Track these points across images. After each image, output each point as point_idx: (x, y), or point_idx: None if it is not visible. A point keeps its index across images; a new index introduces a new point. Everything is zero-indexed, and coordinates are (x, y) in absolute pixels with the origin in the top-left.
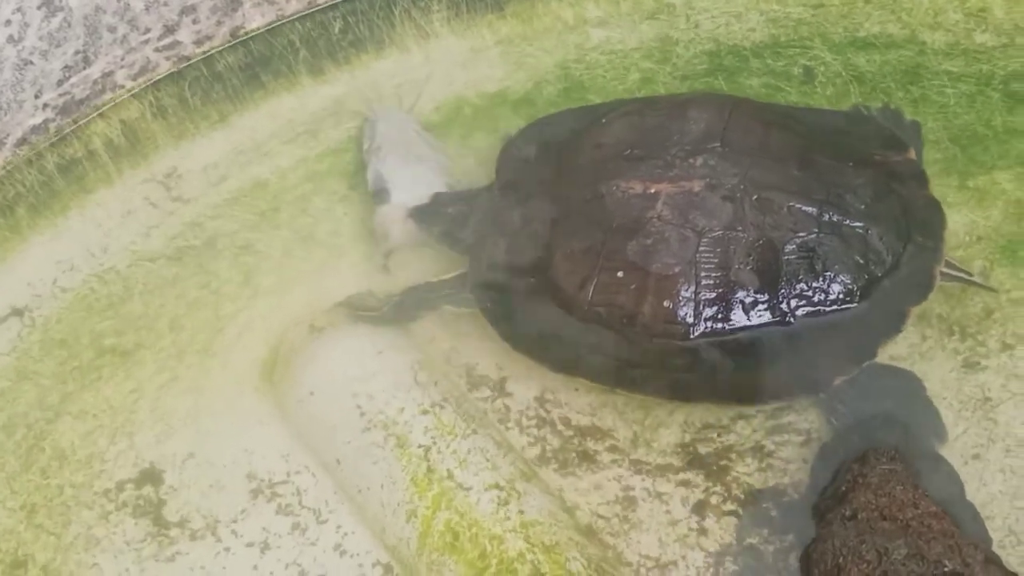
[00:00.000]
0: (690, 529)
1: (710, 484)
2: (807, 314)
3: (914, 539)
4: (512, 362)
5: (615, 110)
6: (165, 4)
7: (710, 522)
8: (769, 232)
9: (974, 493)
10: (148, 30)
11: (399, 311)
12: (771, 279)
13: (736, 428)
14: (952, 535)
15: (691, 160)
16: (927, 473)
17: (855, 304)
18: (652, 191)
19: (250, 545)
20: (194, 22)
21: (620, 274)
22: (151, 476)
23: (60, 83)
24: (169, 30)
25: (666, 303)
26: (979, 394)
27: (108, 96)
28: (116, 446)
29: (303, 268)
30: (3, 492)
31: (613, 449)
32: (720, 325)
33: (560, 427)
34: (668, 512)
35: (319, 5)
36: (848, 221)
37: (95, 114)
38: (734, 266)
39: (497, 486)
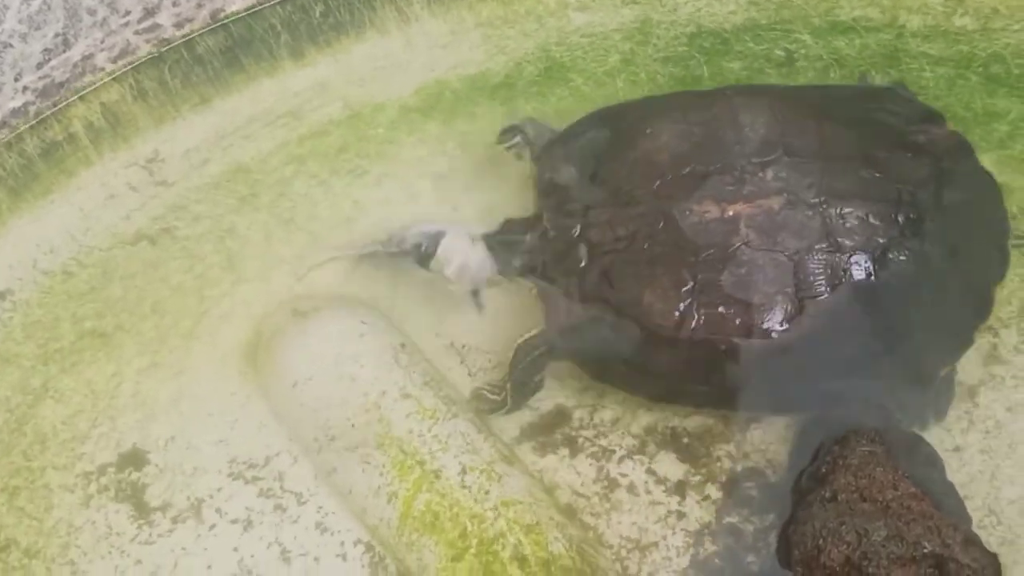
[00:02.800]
0: (670, 510)
1: (690, 465)
2: (904, 317)
3: (894, 520)
4: (496, 345)
5: (650, 116)
6: None
7: (690, 503)
8: (857, 244)
9: (954, 474)
10: (128, 12)
11: (520, 393)
12: (866, 291)
13: (716, 410)
14: (932, 516)
15: (761, 174)
16: (907, 455)
17: (943, 297)
18: (730, 214)
19: (232, 524)
20: (174, 4)
21: (721, 309)
22: (133, 459)
23: (40, 66)
24: (149, 13)
25: (773, 333)
26: (960, 376)
27: (88, 79)
28: (98, 429)
29: (284, 252)
30: None
31: (594, 431)
32: (823, 345)
33: (542, 409)
34: (648, 493)
35: None
36: (925, 219)
37: (75, 97)
38: (832, 283)
39: (477, 468)
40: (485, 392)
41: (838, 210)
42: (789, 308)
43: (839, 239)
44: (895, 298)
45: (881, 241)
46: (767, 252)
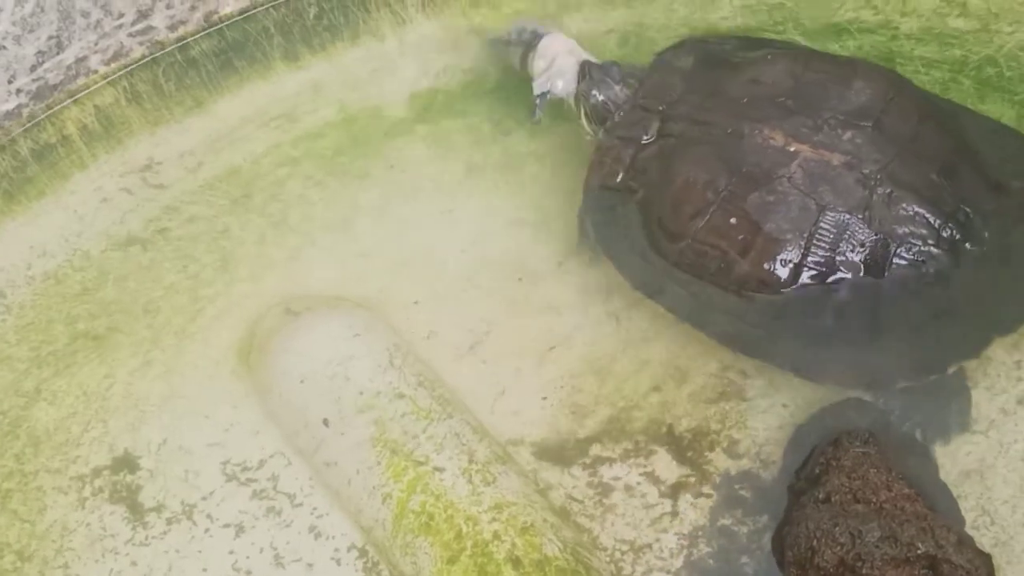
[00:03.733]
0: (664, 512)
1: (684, 467)
2: (895, 317)
3: (887, 521)
4: (488, 344)
5: (781, 49)
6: None
7: (684, 505)
8: (888, 229)
9: (947, 475)
10: (122, 15)
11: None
12: (874, 275)
13: (710, 412)
14: (925, 517)
15: (839, 131)
16: (900, 455)
17: (945, 319)
18: (792, 149)
19: (226, 527)
20: (168, 7)
21: (733, 220)
22: (126, 462)
23: (33, 68)
24: (143, 15)
25: (766, 265)
26: (952, 374)
27: (82, 81)
28: (91, 432)
29: (278, 253)
30: None
31: (588, 432)
32: (812, 303)
33: (536, 412)
34: (642, 495)
35: None
36: (967, 243)
37: (69, 100)
38: (844, 251)
39: (472, 469)
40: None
41: (889, 192)
42: (793, 251)
43: (876, 217)
44: (894, 294)
45: (914, 240)
46: (803, 195)
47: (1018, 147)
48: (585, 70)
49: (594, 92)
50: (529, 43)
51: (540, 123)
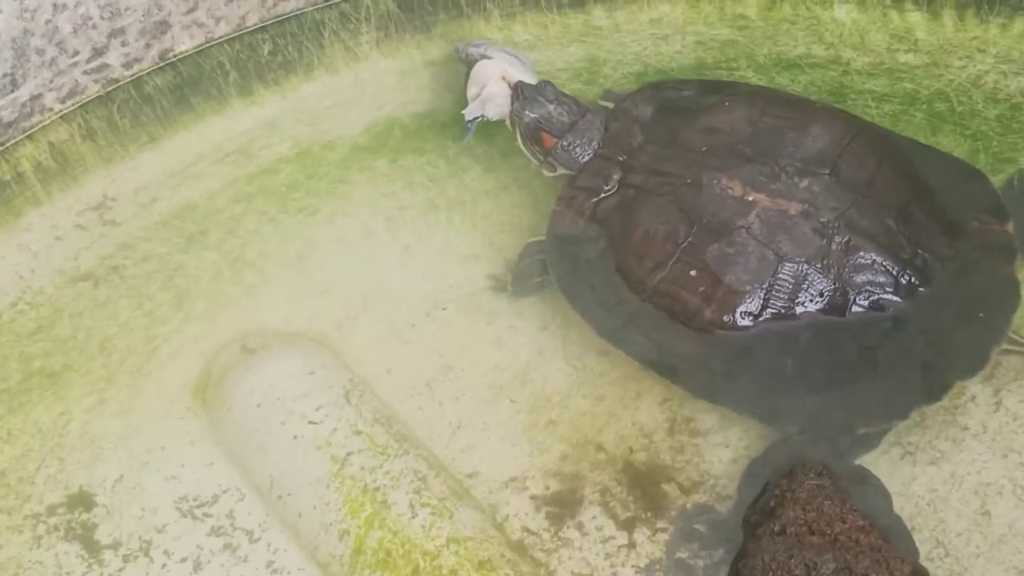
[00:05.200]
0: (620, 545)
1: (640, 501)
2: (855, 364)
3: (842, 553)
4: (444, 380)
5: (738, 93)
6: (94, 27)
7: (640, 537)
8: (846, 277)
9: (901, 507)
10: (77, 53)
11: (521, 286)
12: (833, 323)
13: (665, 446)
14: (880, 549)
15: (797, 179)
16: (855, 488)
17: (904, 365)
18: (750, 198)
19: (182, 563)
20: (123, 44)
21: (693, 272)
22: (82, 499)
23: None
24: (98, 52)
25: (727, 316)
26: None
27: (37, 119)
28: (46, 469)
29: (233, 290)
30: None
31: (544, 466)
32: (773, 352)
33: (492, 447)
34: (599, 528)
35: (248, 27)
36: (925, 288)
37: (23, 136)
38: (803, 300)
39: (429, 504)
40: (496, 276)
41: (847, 240)
42: (753, 301)
43: (834, 266)
44: (852, 341)
45: (872, 288)
46: (761, 245)
47: (976, 185)
48: (518, 91)
49: (527, 112)
50: (469, 65)
51: (468, 145)
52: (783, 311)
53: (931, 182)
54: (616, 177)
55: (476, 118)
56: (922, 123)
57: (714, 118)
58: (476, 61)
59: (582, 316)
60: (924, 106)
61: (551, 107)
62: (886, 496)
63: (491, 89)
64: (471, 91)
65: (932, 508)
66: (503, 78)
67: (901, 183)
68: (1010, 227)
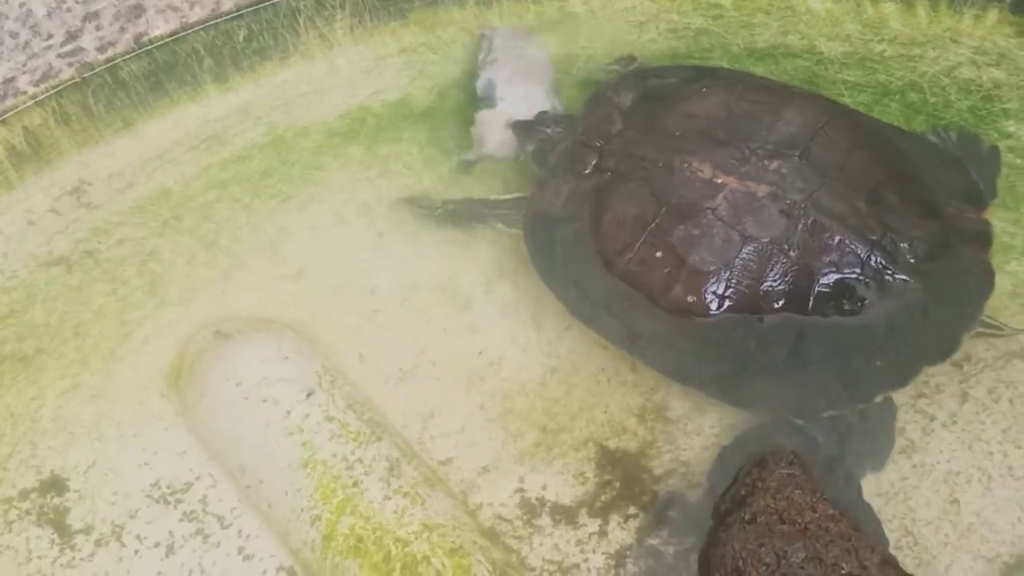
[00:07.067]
0: (591, 532)
1: (611, 488)
2: (821, 346)
3: (812, 542)
4: (418, 366)
5: (718, 79)
6: (68, 10)
7: (611, 525)
8: (812, 259)
9: (871, 496)
10: (51, 36)
11: (453, 216)
12: (798, 305)
13: (637, 434)
14: (849, 537)
15: (766, 162)
16: (825, 476)
17: (872, 349)
18: (719, 181)
19: (155, 548)
20: (97, 28)
21: (659, 254)
22: (54, 484)
23: None
24: (72, 36)
25: (691, 296)
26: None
27: (10, 102)
28: (18, 454)
29: (207, 276)
30: None
31: (517, 453)
32: (738, 332)
33: (466, 434)
34: (571, 516)
35: (223, 13)
36: (892, 271)
37: None
38: (767, 281)
39: (401, 491)
40: (427, 199)
41: (812, 221)
42: (718, 282)
43: (799, 247)
44: (819, 324)
45: (836, 268)
46: (727, 226)
47: (955, 171)
48: (516, 131)
49: (528, 147)
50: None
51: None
52: (748, 292)
53: (908, 167)
54: (592, 162)
55: (473, 160)
56: (896, 113)
57: (693, 104)
58: (485, 93)
59: (557, 296)
60: (897, 96)
61: (550, 130)
62: (856, 485)
63: (494, 137)
64: (473, 133)
65: (902, 497)
66: (505, 127)
67: (875, 166)
68: (985, 213)
